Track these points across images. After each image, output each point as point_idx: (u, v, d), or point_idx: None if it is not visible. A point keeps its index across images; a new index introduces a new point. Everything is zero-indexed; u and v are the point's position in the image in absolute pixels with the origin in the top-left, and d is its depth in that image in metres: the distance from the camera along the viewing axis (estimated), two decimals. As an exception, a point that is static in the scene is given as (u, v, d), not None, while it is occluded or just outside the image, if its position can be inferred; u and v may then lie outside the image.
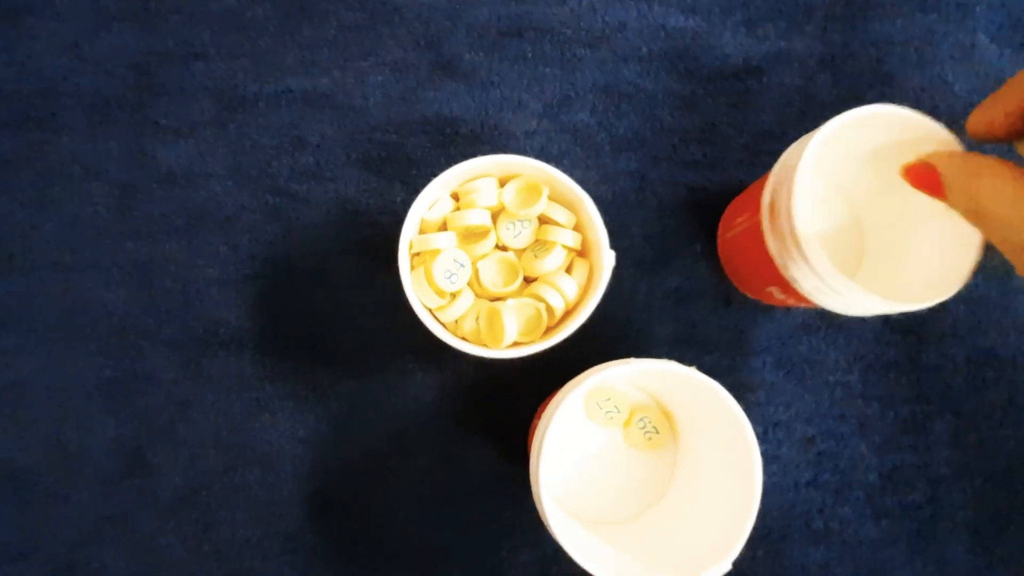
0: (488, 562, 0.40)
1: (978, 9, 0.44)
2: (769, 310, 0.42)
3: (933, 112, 0.43)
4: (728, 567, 0.31)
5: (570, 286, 0.35)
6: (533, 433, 0.37)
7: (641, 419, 0.39)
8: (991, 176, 0.26)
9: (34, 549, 0.40)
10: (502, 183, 0.36)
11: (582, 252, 0.37)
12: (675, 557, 0.33)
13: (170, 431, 0.40)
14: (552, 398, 0.35)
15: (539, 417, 0.35)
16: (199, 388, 0.41)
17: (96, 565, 0.40)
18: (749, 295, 0.41)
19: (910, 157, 0.32)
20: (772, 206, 0.32)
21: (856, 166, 0.37)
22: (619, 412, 0.39)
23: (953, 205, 0.27)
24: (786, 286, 0.33)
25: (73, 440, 0.40)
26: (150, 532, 0.40)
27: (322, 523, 0.40)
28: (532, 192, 0.35)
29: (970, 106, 0.44)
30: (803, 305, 0.36)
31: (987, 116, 0.28)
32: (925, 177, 0.28)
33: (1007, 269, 0.38)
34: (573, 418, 0.39)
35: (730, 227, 0.39)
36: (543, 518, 0.32)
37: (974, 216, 0.26)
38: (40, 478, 0.40)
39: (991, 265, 0.32)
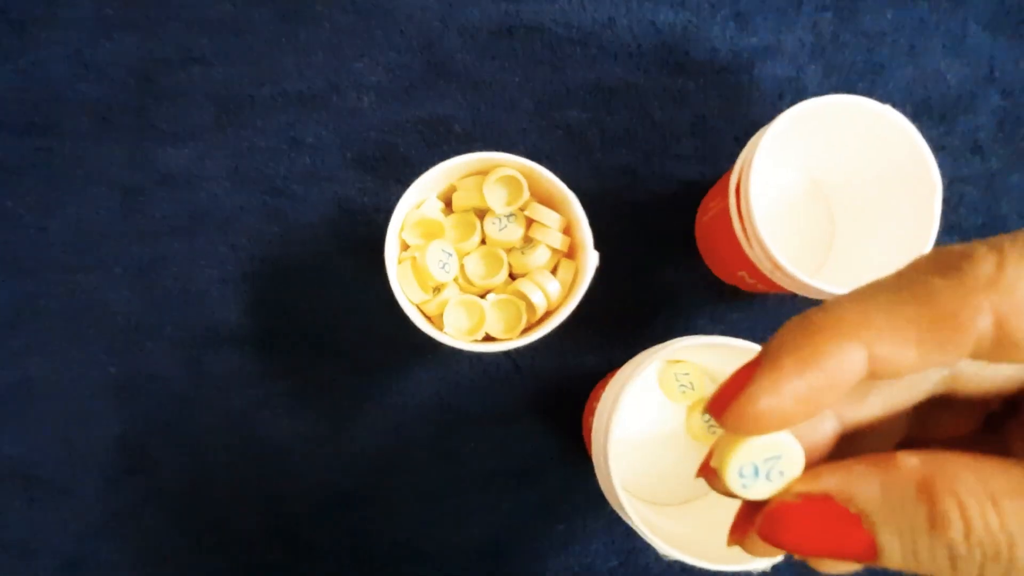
0: (487, 554, 0.41)
1: (969, -2, 0.44)
2: (759, 301, 0.42)
3: (925, 102, 0.44)
4: (768, 566, 0.30)
5: (554, 286, 0.35)
6: (589, 409, 0.35)
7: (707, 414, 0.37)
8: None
9: (42, 544, 0.41)
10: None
11: (570, 253, 0.37)
12: (722, 546, 0.32)
13: (173, 428, 0.41)
14: (616, 372, 0.33)
15: (600, 388, 0.34)
16: (201, 385, 0.41)
17: (102, 559, 0.40)
18: (724, 280, 0.42)
19: (872, 146, 0.32)
20: (738, 187, 0.33)
21: (828, 158, 0.37)
22: (692, 390, 0.36)
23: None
24: (753, 269, 0.34)
25: (79, 437, 0.41)
26: (154, 527, 0.41)
27: (322, 517, 0.41)
28: (513, 188, 0.35)
29: (962, 96, 0.44)
30: (773, 291, 0.37)
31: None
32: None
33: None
34: (639, 393, 0.36)
35: (706, 211, 0.39)
36: (608, 493, 0.31)
37: None
38: (48, 475, 0.41)
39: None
